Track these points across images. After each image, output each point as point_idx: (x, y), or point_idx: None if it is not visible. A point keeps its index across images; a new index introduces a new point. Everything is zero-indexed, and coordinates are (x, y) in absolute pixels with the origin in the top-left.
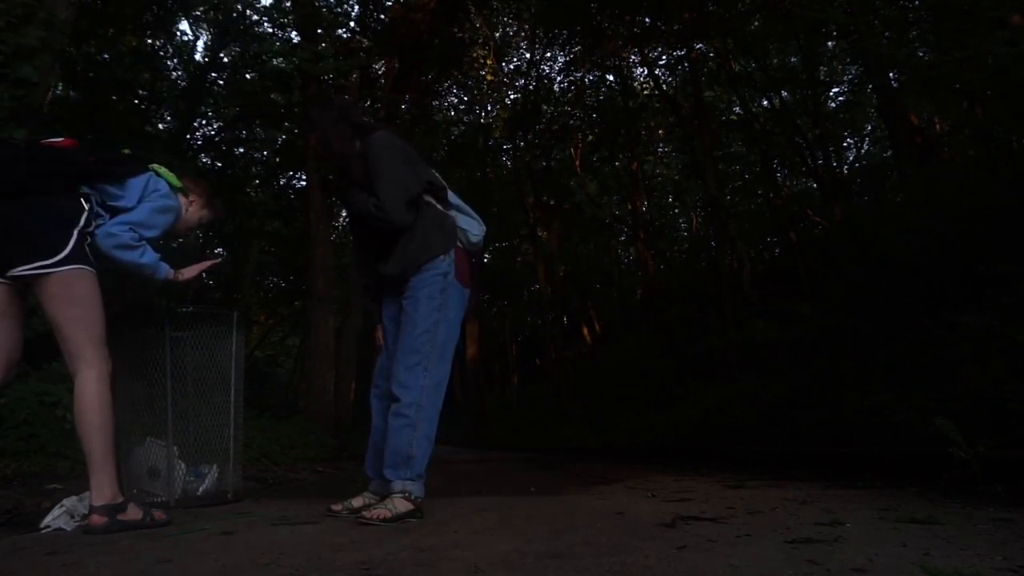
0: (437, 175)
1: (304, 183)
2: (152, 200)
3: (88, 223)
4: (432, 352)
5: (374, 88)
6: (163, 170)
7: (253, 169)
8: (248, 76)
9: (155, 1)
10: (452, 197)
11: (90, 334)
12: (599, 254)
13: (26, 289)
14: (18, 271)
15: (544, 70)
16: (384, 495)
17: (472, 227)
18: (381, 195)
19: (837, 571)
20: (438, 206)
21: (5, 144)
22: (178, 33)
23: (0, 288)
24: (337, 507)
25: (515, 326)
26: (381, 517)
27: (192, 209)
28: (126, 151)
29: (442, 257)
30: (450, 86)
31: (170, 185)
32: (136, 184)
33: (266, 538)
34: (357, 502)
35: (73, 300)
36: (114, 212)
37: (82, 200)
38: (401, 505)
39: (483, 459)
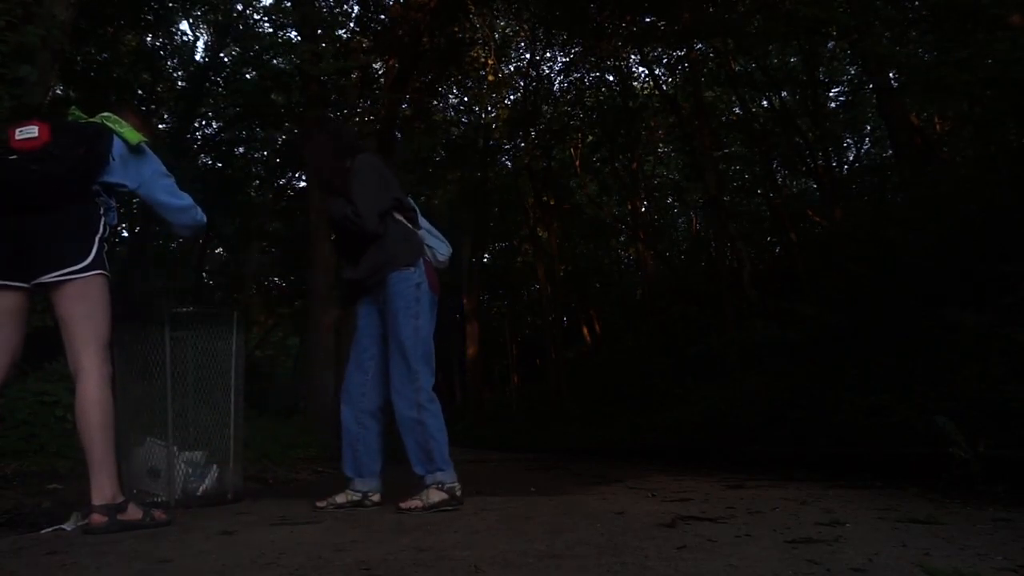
0: (409, 199)
1: (304, 183)
2: (156, 169)
3: (106, 229)
4: (418, 358)
5: (374, 88)
6: (116, 124)
7: (253, 169)
8: (248, 76)
9: (155, 1)
10: (422, 220)
11: (96, 334)
12: (599, 254)
13: (35, 293)
14: (45, 279)
15: (544, 70)
16: (366, 491)
17: (439, 247)
18: (358, 204)
19: (837, 571)
20: (407, 224)
21: (8, 161)
22: (178, 33)
23: (14, 294)
24: (321, 503)
25: (515, 326)
26: (413, 507)
27: None
28: (75, 111)
29: (412, 269)
30: (450, 86)
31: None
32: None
33: (266, 538)
34: (340, 499)
35: (86, 298)
36: (107, 187)
37: (97, 202)
38: (435, 495)
39: (483, 459)
